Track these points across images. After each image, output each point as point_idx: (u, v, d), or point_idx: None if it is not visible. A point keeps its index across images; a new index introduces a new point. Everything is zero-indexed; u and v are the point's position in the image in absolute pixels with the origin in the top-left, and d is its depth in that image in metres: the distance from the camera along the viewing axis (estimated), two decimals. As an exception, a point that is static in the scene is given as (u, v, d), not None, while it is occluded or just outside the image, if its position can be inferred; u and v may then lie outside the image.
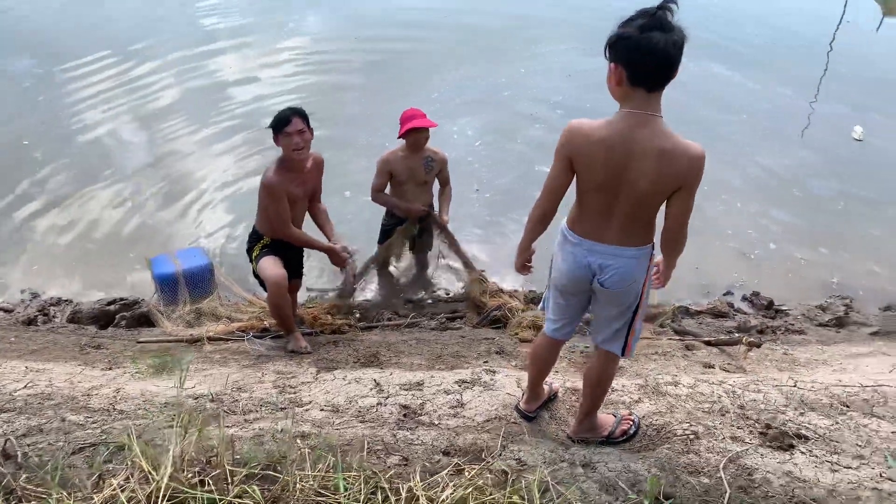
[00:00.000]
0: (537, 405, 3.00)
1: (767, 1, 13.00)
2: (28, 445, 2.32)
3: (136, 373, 3.62)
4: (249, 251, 4.22)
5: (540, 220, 2.60)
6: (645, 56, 2.13)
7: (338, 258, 4.34)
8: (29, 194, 6.41)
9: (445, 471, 1.99)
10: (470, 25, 10.93)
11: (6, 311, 5.08)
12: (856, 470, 2.51)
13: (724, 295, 5.81)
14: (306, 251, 4.49)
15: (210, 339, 4.29)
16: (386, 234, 5.18)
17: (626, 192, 2.32)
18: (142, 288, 5.45)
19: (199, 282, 5.22)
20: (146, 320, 4.97)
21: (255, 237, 4.20)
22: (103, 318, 5.02)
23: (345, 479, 1.85)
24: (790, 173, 7.46)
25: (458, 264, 5.30)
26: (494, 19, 11.30)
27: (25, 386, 3.04)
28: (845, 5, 12.36)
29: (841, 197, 7.16)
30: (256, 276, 4.23)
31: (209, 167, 7.02)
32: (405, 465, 2.32)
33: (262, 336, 4.44)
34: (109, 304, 5.16)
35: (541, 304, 2.99)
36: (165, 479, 1.80)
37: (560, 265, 2.62)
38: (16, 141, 7.21)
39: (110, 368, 3.68)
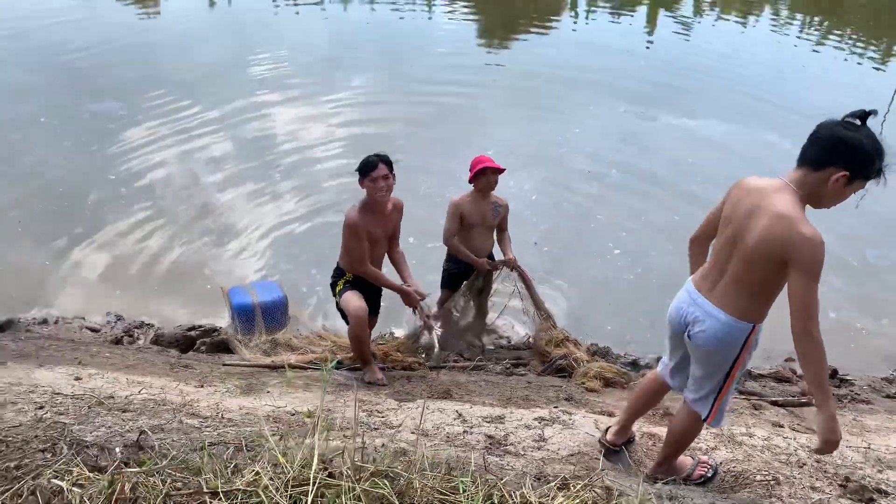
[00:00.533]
0: (623, 440, 3.10)
1: (825, 73, 13.16)
2: (156, 440, 2.52)
3: (226, 391, 3.82)
4: (333, 286, 4.46)
5: (690, 241, 2.81)
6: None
7: (410, 299, 4.56)
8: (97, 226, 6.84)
9: (554, 483, 2.12)
10: (521, 85, 11.33)
11: (94, 330, 5.39)
12: (940, 526, 2.55)
13: (786, 361, 5.82)
14: (384, 292, 4.71)
15: (291, 366, 4.49)
16: (448, 277, 5.39)
17: (739, 248, 2.40)
18: (201, 315, 5.79)
19: (275, 314, 5.46)
20: (224, 347, 5.21)
21: (338, 273, 4.44)
22: (184, 342, 5.29)
23: (462, 482, 1.99)
24: (847, 242, 7.49)
25: (531, 308, 5.43)
26: (543, 79, 11.67)
27: (140, 392, 3.27)
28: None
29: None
30: (339, 309, 4.46)
31: (257, 212, 7.37)
32: (499, 480, 2.44)
33: (338, 368, 4.62)
34: (190, 329, 5.43)
35: None
36: (298, 468, 1.97)
37: (672, 302, 2.73)
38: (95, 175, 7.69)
39: (202, 386, 3.89)
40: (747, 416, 4.25)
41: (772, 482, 2.79)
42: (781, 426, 4.08)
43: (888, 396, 5.36)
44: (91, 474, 1.92)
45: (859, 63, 14.13)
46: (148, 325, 5.57)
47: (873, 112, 2.28)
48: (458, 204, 4.97)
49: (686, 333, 2.60)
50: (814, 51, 14.78)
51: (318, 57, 12.46)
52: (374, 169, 4.06)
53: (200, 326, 5.47)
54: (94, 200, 7.22)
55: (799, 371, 5.71)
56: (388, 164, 4.12)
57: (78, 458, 2.08)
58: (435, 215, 7.06)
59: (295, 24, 15.04)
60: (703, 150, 9.35)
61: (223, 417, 3.01)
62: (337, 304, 4.48)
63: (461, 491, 1.96)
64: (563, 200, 7.92)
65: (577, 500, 2.01)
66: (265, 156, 8.48)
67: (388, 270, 4.62)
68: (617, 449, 3.06)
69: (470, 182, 4.90)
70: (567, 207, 7.79)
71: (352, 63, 12.20)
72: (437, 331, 5.06)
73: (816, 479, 2.89)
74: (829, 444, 2.34)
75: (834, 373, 5.62)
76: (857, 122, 2.29)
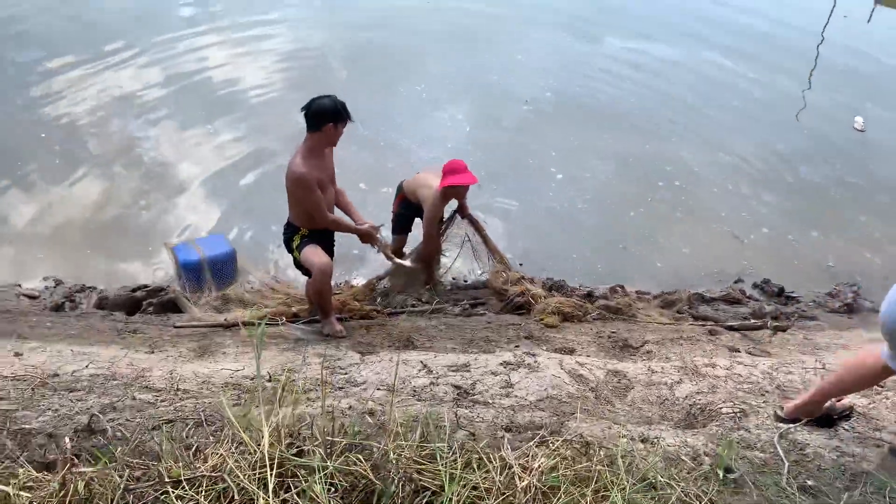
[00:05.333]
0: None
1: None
2: (108, 421, 2.38)
3: (179, 356, 3.67)
4: (288, 242, 4.28)
5: None
6: None
7: (369, 237, 4.44)
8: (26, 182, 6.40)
9: (532, 442, 2.07)
10: (459, 19, 10.97)
11: (32, 297, 5.09)
12: (898, 444, 2.63)
13: (736, 282, 5.96)
14: (337, 238, 4.56)
15: (245, 323, 4.34)
16: (398, 220, 5.35)
17: None
18: (144, 274, 5.56)
19: (223, 269, 5.27)
20: (173, 306, 5.00)
21: (291, 229, 4.25)
22: (130, 304, 5.05)
23: (439, 449, 1.93)
24: (782, 159, 7.67)
25: (485, 252, 5.38)
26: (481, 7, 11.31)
27: (86, 366, 3.09)
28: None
29: (831, 183, 7.36)
30: (298, 265, 4.32)
31: (195, 156, 7.01)
32: (473, 439, 2.40)
33: (294, 321, 4.50)
34: (135, 290, 5.19)
35: None
36: (266, 448, 1.87)
37: (884, 307, 2.39)
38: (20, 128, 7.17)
39: (153, 352, 3.72)
40: (704, 342, 4.33)
41: (738, 414, 2.83)
42: (738, 350, 4.17)
43: (832, 311, 5.55)
44: (39, 475, 1.78)
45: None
46: (90, 288, 5.28)
47: None
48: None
49: None
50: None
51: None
52: (347, 118, 3.92)
53: (146, 286, 5.22)
54: (22, 156, 6.72)
55: (748, 291, 5.87)
56: None
57: (23, 457, 1.93)
58: (382, 159, 6.90)
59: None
60: (646, 72, 9.32)
61: (178, 389, 2.87)
62: (295, 260, 4.32)
63: (438, 458, 1.90)
64: (499, 131, 7.79)
65: (557, 457, 1.98)
66: (201, 99, 8.01)
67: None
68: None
69: (441, 186, 4.83)
70: (504, 137, 7.67)
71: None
72: (407, 263, 5.03)
73: (780, 407, 2.94)
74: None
75: (781, 290, 5.78)
76: None
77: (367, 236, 4.41)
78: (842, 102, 9.02)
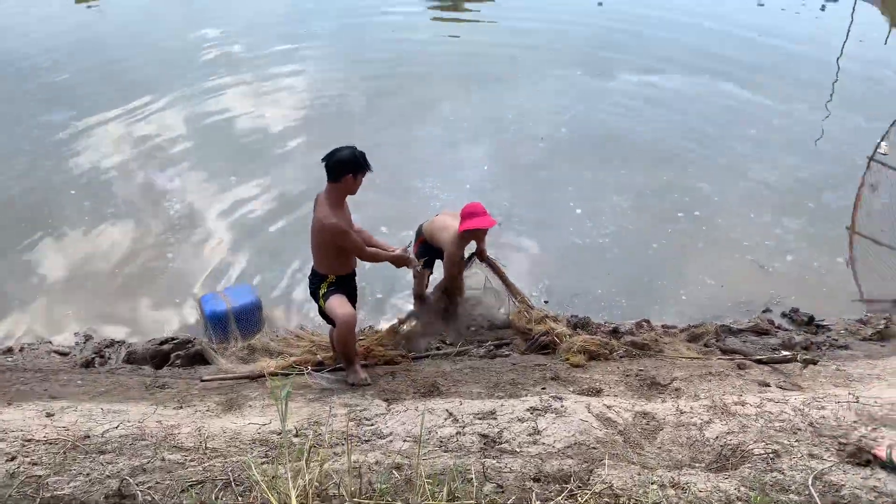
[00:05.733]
0: None
1: (773, 21, 13.16)
2: (138, 485, 2.40)
3: (207, 411, 3.70)
4: (314, 293, 4.33)
5: None
6: None
7: (404, 260, 4.52)
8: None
9: (561, 496, 2.06)
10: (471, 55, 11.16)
11: (62, 354, 5.18)
12: (939, 483, 2.56)
13: (764, 312, 5.87)
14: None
15: (271, 374, 4.37)
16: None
17: None
18: (172, 325, 5.65)
19: (249, 318, 5.34)
20: (200, 358, 5.06)
21: (317, 278, 4.30)
22: (158, 357, 5.11)
23: (466, 507, 1.92)
24: (804, 186, 7.60)
25: (506, 294, 5.39)
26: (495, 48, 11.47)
27: (117, 427, 3.13)
28: (852, 13, 12.57)
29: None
30: (322, 314, 4.37)
31: (219, 205, 7.14)
32: (501, 492, 2.39)
33: (319, 369, 4.52)
34: (162, 343, 5.25)
35: None
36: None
37: None
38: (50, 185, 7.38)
39: (181, 407, 3.76)
40: (734, 377, 4.26)
41: (771, 455, 2.78)
42: (768, 385, 4.10)
43: (865, 339, 5.43)
44: (72, 546, 1.80)
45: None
46: (119, 342, 5.37)
47: None
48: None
49: None
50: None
51: (270, 34, 12.04)
52: (366, 169, 4.01)
53: (174, 339, 5.28)
54: (52, 212, 6.90)
55: (777, 320, 5.78)
56: None
57: (56, 527, 1.96)
58: (402, 203, 6.99)
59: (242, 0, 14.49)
60: (661, 105, 9.36)
61: (207, 448, 2.89)
62: (320, 309, 4.36)
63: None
64: (517, 169, 7.84)
65: (585, 511, 1.96)
66: (224, 148, 8.20)
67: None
68: None
69: (460, 231, 4.93)
70: (522, 175, 7.71)
71: (304, 37, 11.83)
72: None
73: (814, 446, 2.88)
74: None
75: (811, 319, 5.68)
76: None
77: (402, 260, 4.50)
78: (863, 127, 8.93)
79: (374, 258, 4.40)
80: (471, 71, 10.44)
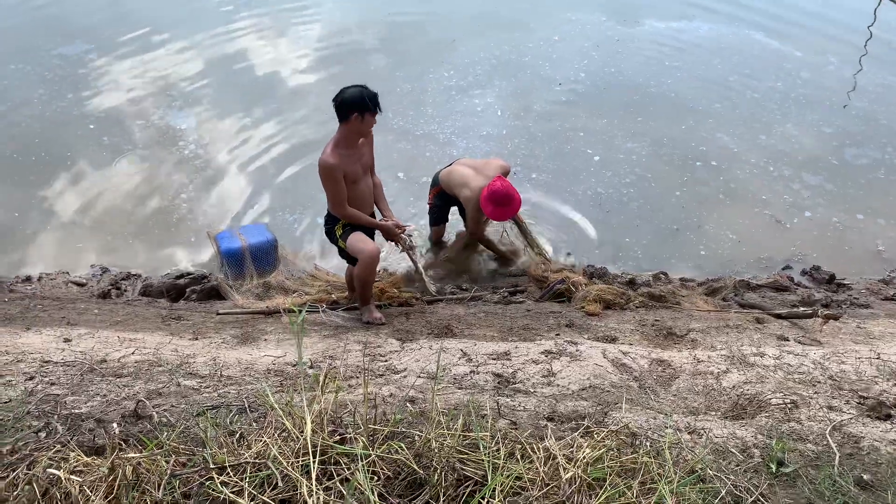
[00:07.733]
0: None
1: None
2: (154, 407, 2.41)
3: (222, 342, 3.72)
4: (330, 232, 4.27)
5: None
6: None
7: (391, 233, 4.41)
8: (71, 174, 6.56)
9: (577, 433, 2.04)
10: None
11: (79, 284, 5.22)
12: (960, 439, 2.52)
13: (784, 269, 5.79)
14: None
15: (286, 310, 4.37)
16: (437, 211, 5.46)
17: None
18: (187, 262, 5.66)
19: (265, 257, 5.32)
20: (216, 294, 5.08)
21: (332, 219, 4.23)
22: (174, 291, 5.14)
23: (482, 438, 1.91)
24: (827, 142, 7.40)
25: (520, 240, 5.36)
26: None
27: (133, 353, 3.15)
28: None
29: (880, 166, 7.07)
30: (343, 255, 4.32)
31: (236, 145, 7.06)
32: (515, 428, 2.37)
33: (334, 308, 4.52)
34: (178, 277, 5.27)
35: None
36: (309, 436, 1.87)
37: None
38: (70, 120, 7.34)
39: (197, 338, 3.77)
40: (751, 330, 4.21)
41: (789, 406, 2.74)
42: (786, 339, 4.05)
43: (887, 299, 5.35)
44: (89, 459, 1.81)
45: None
46: (135, 275, 5.40)
47: None
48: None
49: None
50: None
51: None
52: (374, 109, 3.86)
53: (190, 274, 5.31)
54: (71, 147, 6.87)
55: (796, 278, 5.70)
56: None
57: (73, 441, 1.97)
58: (419, 148, 6.88)
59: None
60: (685, 54, 9.10)
61: (222, 375, 2.90)
62: (340, 250, 4.31)
63: (481, 448, 1.88)
64: (533, 115, 7.66)
65: (602, 448, 1.94)
66: (240, 88, 8.06)
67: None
68: None
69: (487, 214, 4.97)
70: (538, 121, 7.54)
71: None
72: (420, 260, 5.06)
73: (833, 398, 2.84)
74: None
75: (832, 278, 5.60)
76: None
77: (390, 233, 4.40)
78: (892, 84, 8.66)
79: (354, 220, 4.18)
80: (490, 11, 10.16)
